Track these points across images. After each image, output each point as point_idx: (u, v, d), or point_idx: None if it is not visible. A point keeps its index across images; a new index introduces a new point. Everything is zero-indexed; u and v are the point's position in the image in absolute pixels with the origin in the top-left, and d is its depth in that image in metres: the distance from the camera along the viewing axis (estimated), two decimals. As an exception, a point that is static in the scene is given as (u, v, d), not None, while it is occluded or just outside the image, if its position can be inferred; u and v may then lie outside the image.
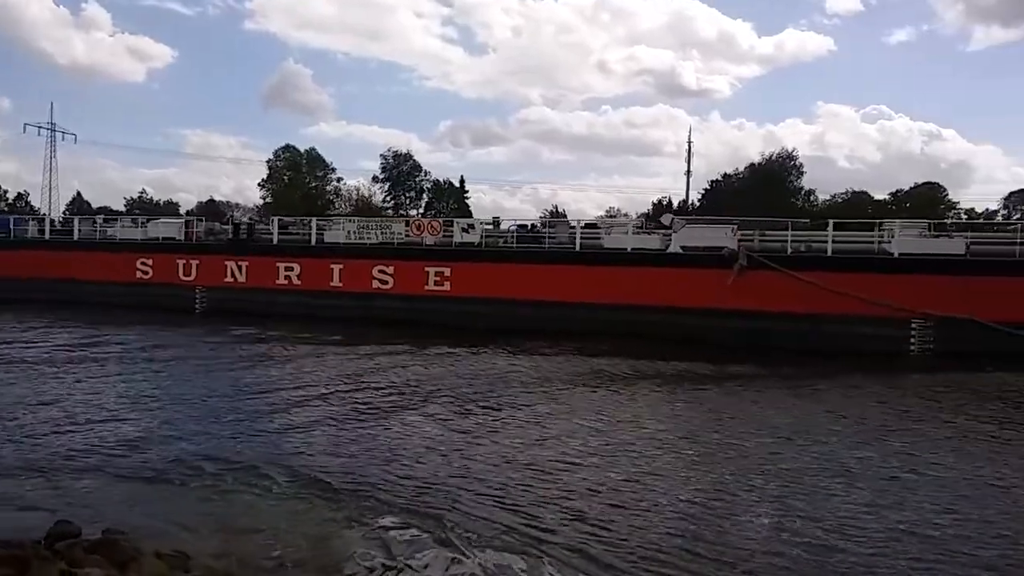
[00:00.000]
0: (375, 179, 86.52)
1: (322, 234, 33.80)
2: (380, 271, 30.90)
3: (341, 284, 31.40)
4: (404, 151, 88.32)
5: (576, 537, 8.92)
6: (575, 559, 8.35)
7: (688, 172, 76.61)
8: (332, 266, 31.67)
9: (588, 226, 31.93)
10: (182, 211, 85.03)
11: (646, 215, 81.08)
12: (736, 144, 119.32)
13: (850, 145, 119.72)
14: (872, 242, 27.81)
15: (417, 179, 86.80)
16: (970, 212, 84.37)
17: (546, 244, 30.60)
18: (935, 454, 13.08)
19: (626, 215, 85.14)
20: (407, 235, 32.10)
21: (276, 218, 35.06)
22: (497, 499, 10.15)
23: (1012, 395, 18.75)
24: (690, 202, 78.74)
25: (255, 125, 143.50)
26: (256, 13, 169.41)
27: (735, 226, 28.21)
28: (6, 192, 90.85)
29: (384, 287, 30.80)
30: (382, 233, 32.42)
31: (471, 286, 29.38)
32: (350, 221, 34.41)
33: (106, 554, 7.10)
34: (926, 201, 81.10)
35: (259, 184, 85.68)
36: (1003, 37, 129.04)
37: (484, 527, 9.15)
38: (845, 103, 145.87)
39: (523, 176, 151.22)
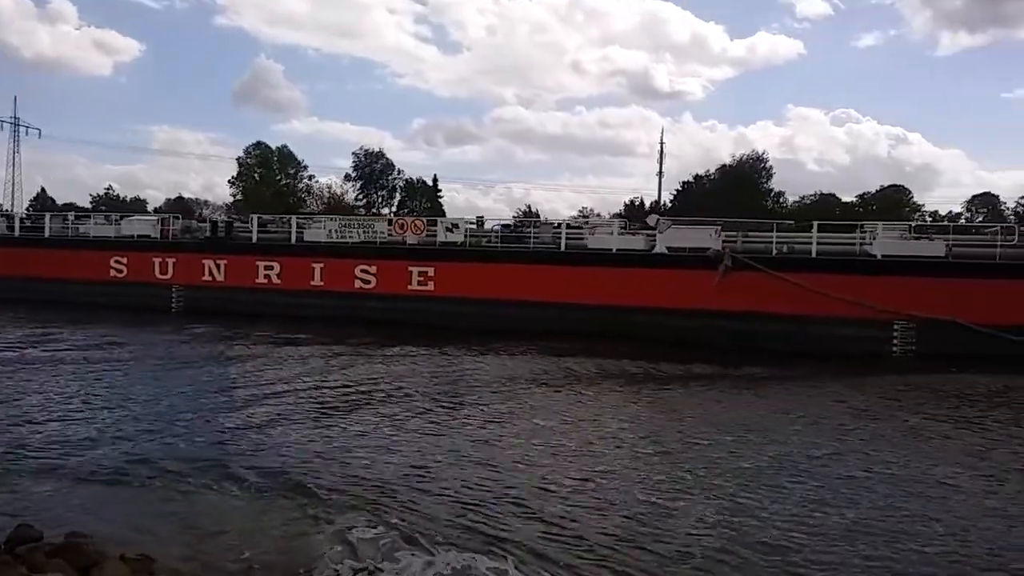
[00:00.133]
0: (347, 177, 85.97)
1: (301, 233, 33.37)
2: (363, 270, 30.60)
3: (322, 283, 31.05)
4: (376, 149, 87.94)
5: (530, 535, 8.98)
6: (529, 557, 8.40)
7: (660, 173, 76.90)
8: (313, 265, 31.30)
9: (572, 226, 31.82)
10: (150, 208, 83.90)
11: (619, 215, 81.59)
12: (708, 146, 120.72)
13: (819, 148, 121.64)
14: (853, 244, 28.07)
15: (390, 177, 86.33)
16: (935, 215, 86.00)
17: (531, 244, 30.49)
18: (891, 452, 13.27)
19: (599, 215, 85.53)
20: (390, 234, 31.82)
21: (255, 216, 34.53)
22: (457, 497, 10.21)
23: (972, 395, 18.84)
24: (662, 203, 79.05)
25: (225, 121, 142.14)
26: (227, 8, 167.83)
27: (719, 227, 28.36)
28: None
29: (367, 287, 30.50)
30: (364, 232, 32.10)
31: (455, 286, 29.20)
32: (331, 220, 34.01)
33: (69, 558, 7.02)
34: (892, 203, 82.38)
35: (229, 181, 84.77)
36: (969, 43, 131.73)
37: (448, 526, 9.19)
38: (814, 106, 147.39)
39: (497, 175, 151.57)
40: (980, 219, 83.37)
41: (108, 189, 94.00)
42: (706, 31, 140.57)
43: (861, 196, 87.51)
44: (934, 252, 25.48)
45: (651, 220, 28.22)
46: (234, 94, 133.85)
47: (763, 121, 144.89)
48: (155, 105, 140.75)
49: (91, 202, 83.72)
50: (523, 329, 26.38)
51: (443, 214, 77.04)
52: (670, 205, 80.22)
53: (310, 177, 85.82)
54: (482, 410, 15.81)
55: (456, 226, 31.11)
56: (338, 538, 8.72)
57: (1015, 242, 25.03)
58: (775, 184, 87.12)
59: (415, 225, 31.88)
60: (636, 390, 18.95)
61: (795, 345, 24.23)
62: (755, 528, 9.42)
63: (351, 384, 18.29)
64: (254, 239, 33.51)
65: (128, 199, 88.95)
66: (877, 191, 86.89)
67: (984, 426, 15.69)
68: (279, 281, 31.72)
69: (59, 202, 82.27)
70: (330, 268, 31.08)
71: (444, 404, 16.26)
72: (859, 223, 28.96)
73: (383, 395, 17.09)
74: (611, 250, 28.54)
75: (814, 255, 26.33)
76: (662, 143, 73.97)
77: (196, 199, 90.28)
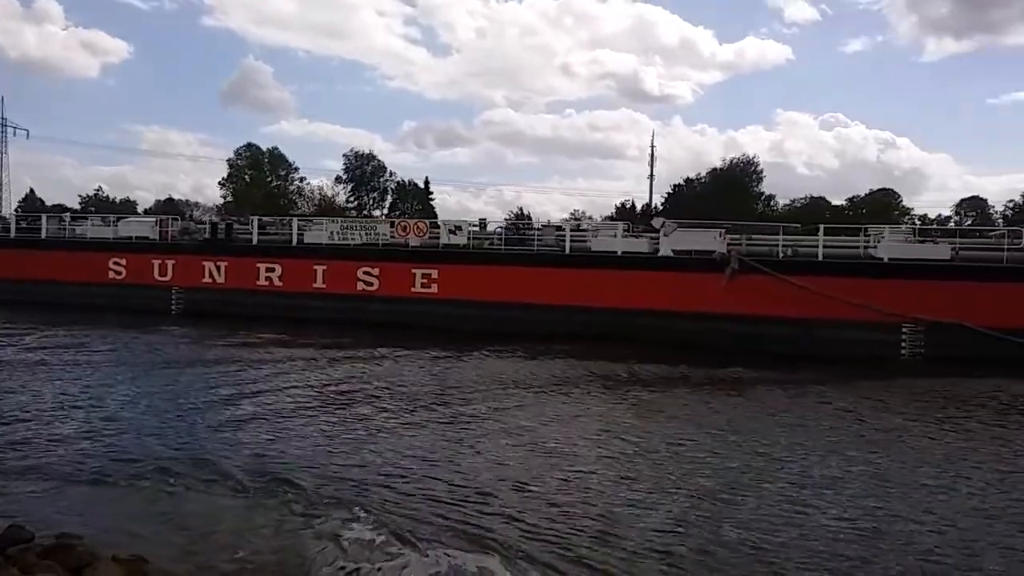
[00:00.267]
0: (338, 179, 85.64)
1: (302, 235, 33.14)
2: (365, 273, 30.42)
3: (325, 286, 30.85)
4: (367, 151, 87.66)
5: (515, 534, 9.12)
6: (514, 555, 8.47)
7: (651, 176, 76.89)
8: (315, 267, 31.09)
9: (576, 229, 31.74)
10: (140, 209, 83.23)
11: (611, 217, 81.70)
12: (698, 149, 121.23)
13: (808, 152, 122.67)
14: (857, 247, 28.11)
15: (381, 180, 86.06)
16: (923, 218, 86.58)
17: (535, 247, 30.38)
18: (873, 454, 13.36)
19: (590, 218, 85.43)
20: (392, 236, 31.64)
21: (255, 218, 34.26)
22: (448, 497, 10.25)
23: (967, 399, 18.84)
24: (653, 206, 79.15)
25: (214, 122, 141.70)
26: (215, 9, 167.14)
27: (723, 230, 28.35)
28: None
29: (369, 289, 30.32)
30: (366, 234, 31.90)
31: (459, 289, 29.07)
32: (333, 222, 33.83)
33: (60, 559, 7.01)
34: (881, 207, 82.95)
35: (219, 183, 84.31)
36: (955, 49, 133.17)
37: (439, 525, 9.24)
38: (803, 111, 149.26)
39: (487, 178, 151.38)
40: (969, 223, 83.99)
41: (97, 190, 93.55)
42: (695, 35, 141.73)
43: (851, 200, 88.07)
44: (939, 255, 25.53)
45: (657, 223, 28.16)
46: (223, 95, 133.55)
47: (753, 125, 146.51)
48: (144, 106, 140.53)
49: (80, 203, 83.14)
50: (528, 332, 26.28)
51: (435, 216, 76.87)
52: (661, 208, 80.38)
53: (301, 179, 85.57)
54: (476, 413, 15.80)
55: (459, 228, 30.95)
56: (330, 537, 8.78)
57: (1022, 245, 25.11)
58: (765, 188, 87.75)
59: (418, 227, 31.71)
60: (637, 393, 18.89)
61: (802, 348, 24.25)
62: (738, 528, 9.50)
63: (347, 386, 18.30)
64: (254, 241, 33.24)
65: (117, 200, 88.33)
66: (866, 195, 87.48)
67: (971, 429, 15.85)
68: (280, 283, 31.49)
69: (48, 203, 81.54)
70: (332, 270, 30.87)
71: (440, 407, 16.24)
72: (863, 226, 28.93)
73: (379, 397, 17.09)
74: (616, 253, 28.47)
75: (820, 258, 26.35)
76: (653, 146, 74.13)
77: (186, 200, 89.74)
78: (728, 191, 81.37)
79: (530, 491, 10.73)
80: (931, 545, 9.23)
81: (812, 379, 20.96)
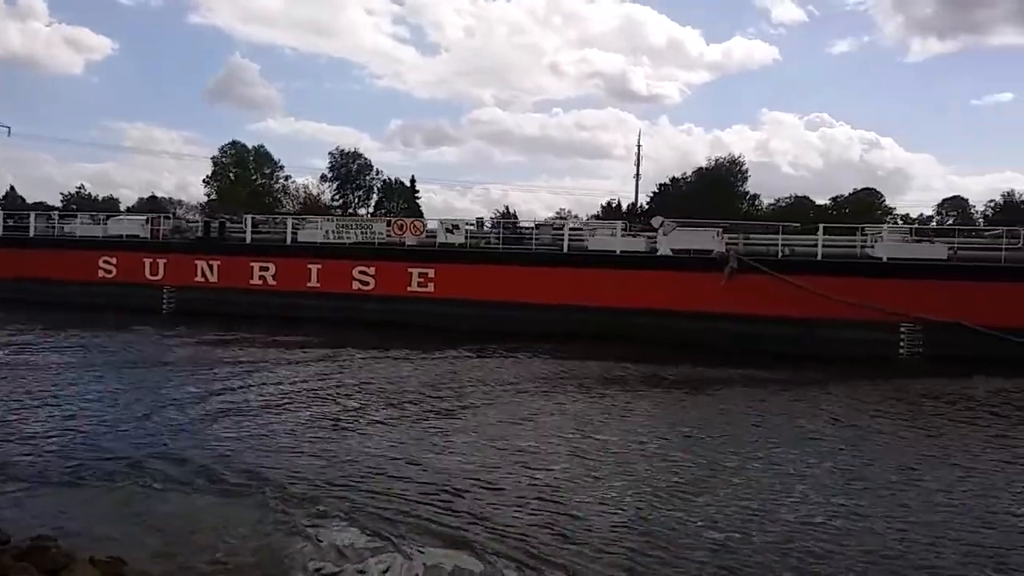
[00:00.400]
0: (323, 178, 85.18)
1: (295, 233, 32.85)
2: (361, 272, 30.18)
3: (319, 285, 30.58)
4: (352, 149, 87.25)
5: (492, 533, 9.03)
6: (495, 556, 8.43)
7: (638, 175, 76.87)
8: (310, 266, 30.81)
9: (574, 228, 31.64)
10: (123, 207, 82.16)
11: (597, 216, 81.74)
12: (684, 149, 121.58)
13: (794, 152, 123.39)
14: (855, 246, 28.22)
15: (367, 178, 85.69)
16: (906, 218, 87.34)
17: (533, 245, 30.26)
18: (846, 452, 13.45)
19: (576, 216, 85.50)
20: (388, 235, 31.42)
21: (249, 216, 33.93)
22: (430, 498, 10.19)
23: (942, 398, 18.88)
24: (639, 205, 79.31)
25: (199, 120, 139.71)
26: (201, 6, 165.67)
27: (721, 229, 28.39)
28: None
29: (365, 288, 30.10)
30: (362, 233, 31.67)
31: (456, 288, 28.89)
32: (328, 220, 33.58)
33: (36, 561, 6.87)
34: (865, 207, 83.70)
35: (204, 181, 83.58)
36: (939, 49, 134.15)
37: (420, 525, 9.20)
38: (789, 111, 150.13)
39: (474, 177, 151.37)
40: (951, 222, 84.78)
41: (80, 188, 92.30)
42: (683, 35, 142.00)
43: (834, 199, 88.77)
44: (936, 255, 25.67)
45: (656, 222, 28.12)
46: (208, 92, 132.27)
47: (739, 125, 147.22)
48: (128, 103, 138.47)
49: (62, 201, 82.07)
50: (525, 332, 26.12)
51: (421, 215, 76.74)
52: (647, 207, 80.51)
53: (286, 177, 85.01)
54: (464, 413, 15.63)
55: (456, 227, 30.80)
56: (309, 536, 8.75)
57: (1020, 245, 25.27)
58: (750, 187, 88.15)
59: (414, 226, 31.53)
60: (622, 393, 18.64)
61: (801, 348, 24.27)
62: (698, 528, 9.55)
63: (333, 386, 18.11)
64: (248, 239, 32.91)
65: (100, 198, 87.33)
66: (850, 194, 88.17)
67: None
68: (274, 282, 31.19)
69: (29, 201, 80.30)
70: (327, 269, 30.61)
71: (429, 407, 16.06)
72: (860, 226, 29.06)
73: (364, 397, 16.91)
74: (615, 252, 28.41)
75: (819, 257, 26.41)
76: (639, 145, 74.09)
77: (170, 198, 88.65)
78: (713, 190, 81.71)
79: (500, 490, 10.70)
80: (893, 544, 9.25)
81: (808, 379, 21.04)
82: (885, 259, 25.63)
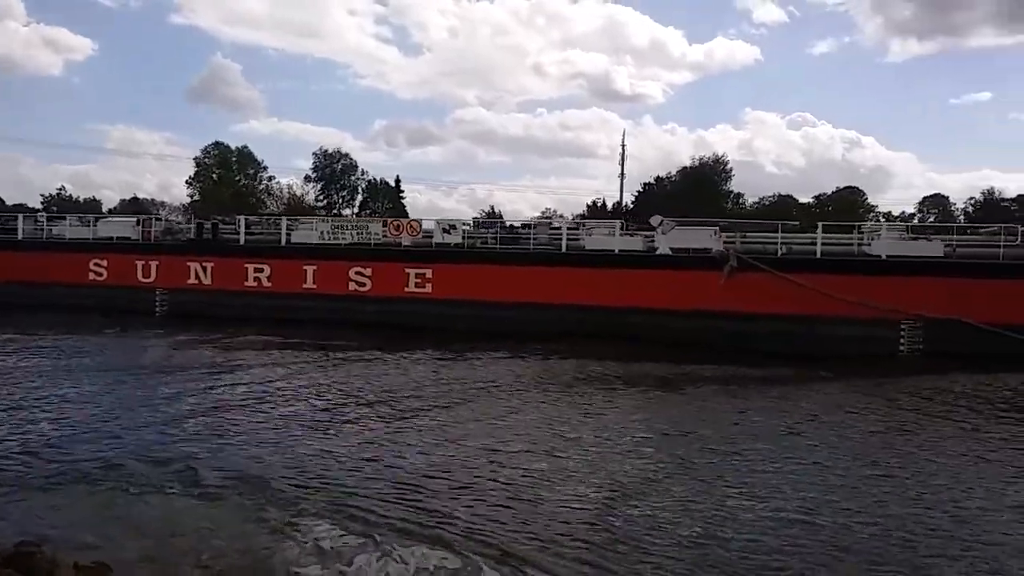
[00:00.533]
0: (307, 178, 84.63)
1: (289, 234, 32.55)
2: (357, 273, 29.94)
3: (315, 286, 30.30)
4: (335, 150, 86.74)
5: (473, 533, 9.07)
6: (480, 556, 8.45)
7: (622, 175, 76.54)
8: (305, 267, 30.52)
9: (571, 227, 31.56)
10: (104, 209, 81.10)
11: (582, 216, 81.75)
12: (668, 148, 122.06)
13: (776, 151, 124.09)
14: (851, 244, 28.35)
15: (352, 178, 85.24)
16: (888, 215, 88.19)
17: (531, 245, 30.14)
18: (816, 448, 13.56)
19: (561, 216, 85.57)
20: (384, 235, 31.20)
21: (242, 217, 33.57)
22: (415, 499, 10.17)
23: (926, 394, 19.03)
24: (624, 204, 79.35)
25: (181, 121, 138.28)
26: (183, 7, 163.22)
27: (718, 227, 28.44)
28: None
29: (362, 289, 29.87)
30: (358, 233, 31.42)
31: (454, 288, 28.72)
32: (323, 221, 33.35)
33: (20, 567, 6.77)
34: (847, 205, 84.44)
35: (187, 182, 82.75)
36: (919, 50, 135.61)
37: (406, 525, 9.19)
38: (771, 110, 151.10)
39: (459, 177, 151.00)
40: (932, 219, 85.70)
41: (60, 189, 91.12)
42: (665, 36, 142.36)
43: (817, 197, 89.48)
44: (933, 252, 25.84)
45: (654, 220, 28.10)
46: (190, 93, 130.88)
47: (722, 124, 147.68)
48: (109, 104, 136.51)
49: (43, 203, 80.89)
50: (524, 332, 26.05)
51: (406, 215, 76.38)
52: (632, 207, 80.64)
53: (270, 178, 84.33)
54: (451, 414, 15.48)
55: (453, 227, 30.64)
56: (294, 537, 8.72)
57: (1017, 242, 25.49)
58: (734, 186, 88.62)
59: (411, 226, 31.32)
60: (627, 392, 18.75)
61: (801, 346, 24.29)
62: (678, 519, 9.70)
63: (320, 386, 17.98)
64: (241, 240, 32.55)
65: (81, 200, 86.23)
66: (833, 193, 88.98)
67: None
68: (269, 284, 30.86)
69: (8, 203, 79.09)
70: (323, 270, 30.34)
71: (416, 408, 15.94)
72: (856, 224, 29.22)
73: (354, 398, 16.76)
74: (613, 251, 28.37)
75: (819, 256, 26.49)
76: (623, 145, 73.93)
77: (152, 200, 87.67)
78: (697, 189, 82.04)
79: (475, 488, 10.77)
80: (860, 538, 9.34)
81: (802, 377, 21.25)
82: (884, 257, 25.75)
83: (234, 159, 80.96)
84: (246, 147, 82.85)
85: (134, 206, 78.21)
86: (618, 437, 13.92)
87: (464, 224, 31.96)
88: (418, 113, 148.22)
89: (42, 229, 35.37)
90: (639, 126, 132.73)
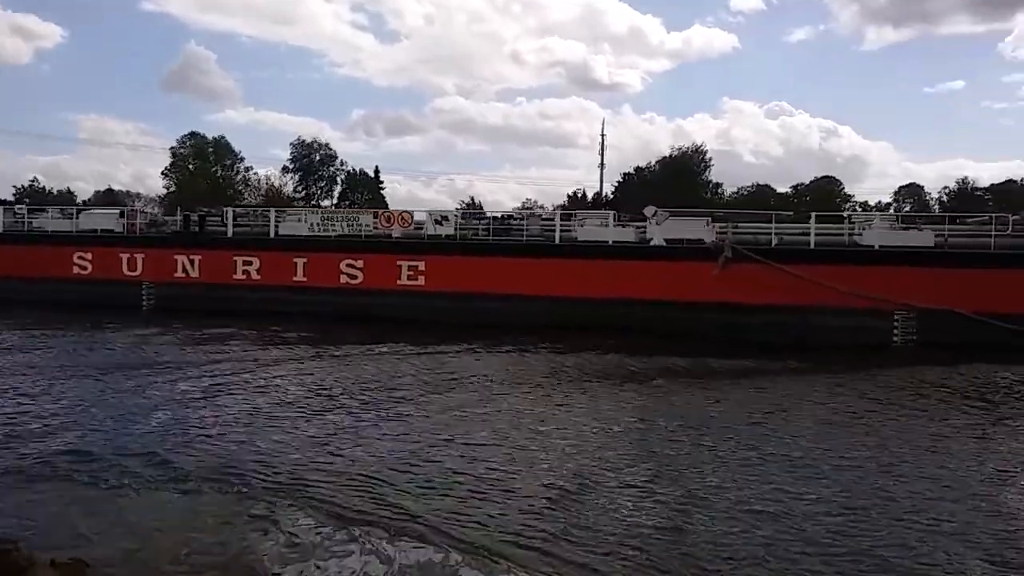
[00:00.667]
0: (285, 169, 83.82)
1: (278, 226, 32.14)
2: (348, 265, 29.66)
3: (306, 279, 29.98)
4: (313, 140, 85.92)
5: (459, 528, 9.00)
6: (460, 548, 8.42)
7: (602, 165, 76.66)
8: (295, 260, 30.17)
9: (564, 218, 31.43)
10: (79, 201, 79.77)
11: (563, 206, 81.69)
12: (647, 138, 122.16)
13: (754, 140, 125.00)
14: (842, 234, 28.51)
15: (330, 169, 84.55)
16: (864, 205, 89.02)
17: (524, 236, 30.02)
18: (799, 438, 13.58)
19: (542, 207, 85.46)
20: (375, 227, 30.91)
21: (230, 209, 33.12)
22: (399, 495, 10.00)
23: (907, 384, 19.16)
24: (604, 195, 79.45)
25: (155, 110, 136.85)
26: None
27: (710, 218, 28.49)
28: None
29: (353, 282, 29.59)
30: (348, 225, 31.10)
31: (448, 280, 28.56)
32: (312, 212, 32.95)
33: None
34: (825, 194, 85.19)
35: (162, 173, 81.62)
36: (894, 38, 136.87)
37: (389, 520, 9.09)
38: (749, 99, 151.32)
39: (438, 167, 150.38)
40: (907, 209, 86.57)
41: (33, 181, 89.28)
42: (643, 23, 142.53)
43: (795, 187, 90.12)
44: (923, 242, 26.05)
45: (648, 211, 28.07)
46: (164, 82, 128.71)
47: (700, 113, 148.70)
48: (81, 93, 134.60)
49: (15, 195, 79.20)
50: (518, 323, 25.91)
51: (385, 206, 75.82)
52: (611, 197, 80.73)
53: (247, 169, 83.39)
54: (441, 407, 15.32)
55: (446, 218, 30.41)
56: (276, 532, 8.63)
57: (1008, 232, 25.77)
58: (713, 175, 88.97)
59: (402, 218, 31.05)
60: (623, 385, 18.58)
61: (796, 336, 24.42)
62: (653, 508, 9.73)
63: (313, 381, 17.70)
64: (229, 233, 32.12)
65: (54, 191, 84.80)
66: (811, 182, 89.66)
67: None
68: (258, 277, 30.49)
69: (-21, 195, 77.75)
70: (313, 263, 30.02)
71: (403, 401, 15.78)
72: (848, 214, 29.40)
73: (344, 393, 16.50)
74: (607, 242, 28.32)
75: (812, 246, 26.61)
76: (603, 135, 73.95)
77: (127, 191, 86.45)
78: (677, 179, 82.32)
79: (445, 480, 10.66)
80: (821, 528, 9.31)
81: (795, 368, 21.42)
82: (878, 247, 25.92)
83: (211, 149, 79.92)
84: (223, 137, 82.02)
85: (109, 197, 77.19)
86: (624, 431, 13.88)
87: (454, 215, 31.68)
88: (396, 102, 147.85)
89: (22, 221, 34.66)
90: (618, 115, 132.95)
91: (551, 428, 13.78)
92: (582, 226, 30.10)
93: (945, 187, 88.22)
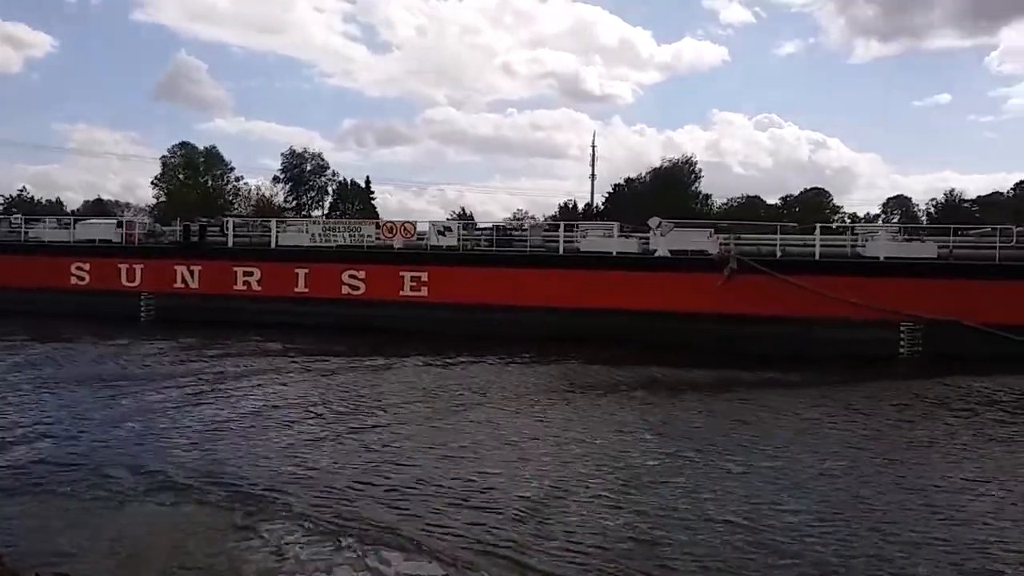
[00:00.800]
0: (276, 179, 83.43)
1: (278, 236, 31.89)
2: (350, 276, 29.46)
3: (307, 290, 29.78)
4: (304, 150, 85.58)
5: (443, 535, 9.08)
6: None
7: (592, 176, 76.73)
8: (297, 271, 29.98)
9: (568, 229, 31.37)
10: (68, 210, 79.08)
11: (554, 217, 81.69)
12: (638, 149, 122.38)
13: (744, 151, 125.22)
14: (845, 246, 28.55)
15: (321, 179, 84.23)
16: (853, 216, 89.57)
17: (527, 248, 29.89)
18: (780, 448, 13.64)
19: (533, 217, 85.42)
20: (377, 238, 30.73)
21: (230, 219, 32.87)
22: (387, 505, 10.07)
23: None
24: (595, 205, 79.50)
25: (145, 120, 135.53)
26: (146, 3, 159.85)
27: (713, 229, 28.49)
28: None
29: (355, 293, 29.38)
30: (350, 236, 30.92)
31: (451, 291, 28.40)
32: (314, 223, 32.77)
33: None
34: (814, 206, 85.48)
35: (152, 182, 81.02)
36: (882, 52, 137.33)
37: (380, 531, 9.10)
38: (738, 111, 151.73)
39: (429, 177, 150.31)
40: (896, 220, 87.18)
41: (22, 191, 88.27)
42: (634, 36, 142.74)
43: (784, 199, 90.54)
44: (927, 253, 26.11)
45: (653, 222, 28.03)
46: (154, 92, 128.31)
47: (690, 125, 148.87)
48: (70, 103, 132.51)
49: (3, 204, 78.62)
50: (522, 335, 25.75)
51: (376, 216, 75.57)
52: (602, 208, 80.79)
53: (238, 179, 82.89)
54: (435, 420, 15.23)
55: (449, 229, 30.28)
56: (265, 543, 8.61)
57: (1012, 243, 25.88)
58: (703, 187, 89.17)
59: (404, 228, 30.87)
60: (618, 398, 18.41)
61: (801, 348, 24.35)
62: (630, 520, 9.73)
63: (300, 393, 17.63)
64: (230, 243, 31.85)
65: (44, 201, 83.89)
66: (800, 194, 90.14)
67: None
68: (259, 288, 30.26)
69: (-34, 205, 77.04)
70: (315, 274, 29.82)
71: (392, 412, 15.74)
72: (851, 225, 29.48)
73: (331, 405, 16.44)
74: (611, 253, 28.25)
75: (817, 257, 26.62)
76: (593, 146, 73.97)
77: (116, 201, 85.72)
78: (667, 190, 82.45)
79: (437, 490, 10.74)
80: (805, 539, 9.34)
81: (799, 380, 21.34)
82: (883, 258, 25.95)
83: (201, 159, 79.40)
84: (214, 147, 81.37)
85: (98, 207, 76.54)
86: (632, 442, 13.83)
87: (457, 225, 31.54)
88: (387, 112, 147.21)
89: (19, 232, 34.25)
90: (608, 126, 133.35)
91: (530, 439, 13.79)
92: (585, 237, 30.03)
93: (932, 199, 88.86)
